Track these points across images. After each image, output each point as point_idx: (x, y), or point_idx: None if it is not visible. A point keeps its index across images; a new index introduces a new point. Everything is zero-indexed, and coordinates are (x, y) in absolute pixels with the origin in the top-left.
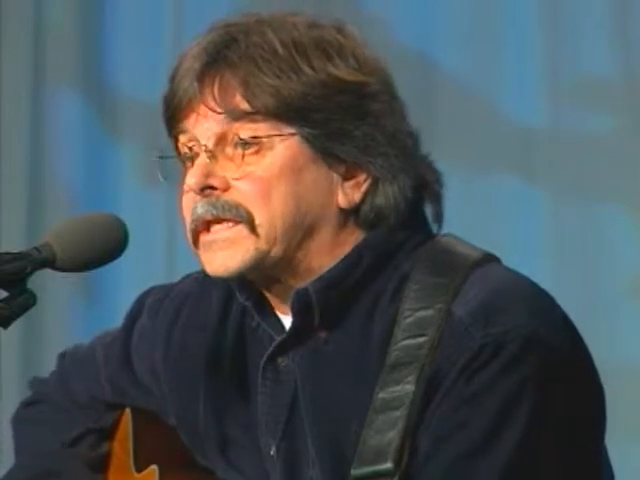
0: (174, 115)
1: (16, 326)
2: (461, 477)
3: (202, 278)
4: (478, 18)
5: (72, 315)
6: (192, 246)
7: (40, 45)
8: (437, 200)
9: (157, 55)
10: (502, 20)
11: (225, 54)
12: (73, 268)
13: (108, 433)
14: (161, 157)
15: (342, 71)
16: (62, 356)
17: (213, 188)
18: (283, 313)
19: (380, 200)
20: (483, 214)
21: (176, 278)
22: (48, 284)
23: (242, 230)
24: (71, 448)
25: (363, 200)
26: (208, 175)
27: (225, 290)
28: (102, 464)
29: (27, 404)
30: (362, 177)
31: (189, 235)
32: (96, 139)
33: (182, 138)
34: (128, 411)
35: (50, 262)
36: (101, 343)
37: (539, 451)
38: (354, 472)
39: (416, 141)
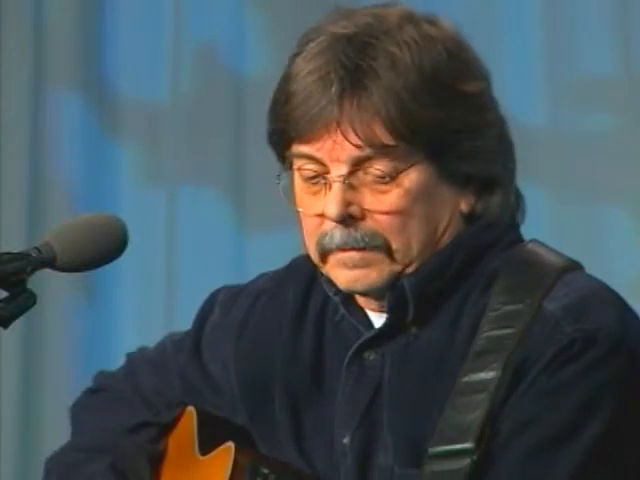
0: (301, 134)
1: (16, 326)
2: (537, 465)
3: (277, 276)
4: (478, 18)
5: (72, 315)
6: (319, 262)
7: (40, 45)
8: (520, 210)
9: (157, 55)
10: (502, 20)
11: (363, 82)
12: (73, 268)
13: (165, 430)
14: (279, 176)
15: (470, 85)
16: (130, 354)
17: (351, 216)
18: (370, 309)
19: (493, 204)
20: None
21: (176, 278)
22: (48, 284)
23: (378, 255)
24: (131, 433)
25: (476, 202)
26: (346, 205)
27: (302, 287)
28: (156, 459)
29: (88, 393)
30: (478, 183)
31: (316, 255)
32: (96, 139)
33: (306, 158)
34: (191, 408)
35: (50, 262)
36: (171, 340)
37: (615, 450)
38: (432, 450)
39: (514, 150)
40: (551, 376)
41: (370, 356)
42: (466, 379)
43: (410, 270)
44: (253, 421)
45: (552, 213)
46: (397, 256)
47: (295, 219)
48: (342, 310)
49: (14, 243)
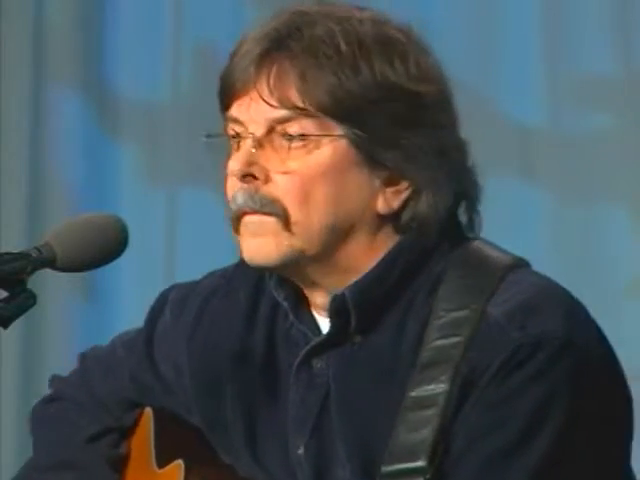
0: (227, 95)
1: (16, 326)
2: (493, 477)
3: (228, 275)
4: (478, 18)
5: (72, 315)
6: (234, 234)
7: (40, 45)
8: (474, 211)
9: (157, 55)
10: (502, 20)
11: (287, 43)
12: (73, 268)
13: (127, 433)
14: (208, 136)
15: (401, 78)
16: (83, 356)
17: (254, 177)
18: (319, 312)
19: (422, 210)
20: (483, 214)
21: (176, 278)
22: (48, 284)
23: (276, 223)
24: (91, 443)
25: (402, 207)
26: (251, 163)
27: (253, 287)
28: (120, 463)
29: (46, 401)
30: (404, 185)
31: (229, 221)
32: (96, 139)
33: (231, 119)
34: (149, 410)
35: (50, 262)
36: (122, 341)
37: (570, 454)
38: (385, 469)
39: (464, 154)
40: (498, 387)
41: (318, 363)
42: (414, 393)
43: (312, 251)
44: (207, 424)
45: (552, 213)
46: (295, 229)
47: None
48: (291, 315)
49: (14, 243)
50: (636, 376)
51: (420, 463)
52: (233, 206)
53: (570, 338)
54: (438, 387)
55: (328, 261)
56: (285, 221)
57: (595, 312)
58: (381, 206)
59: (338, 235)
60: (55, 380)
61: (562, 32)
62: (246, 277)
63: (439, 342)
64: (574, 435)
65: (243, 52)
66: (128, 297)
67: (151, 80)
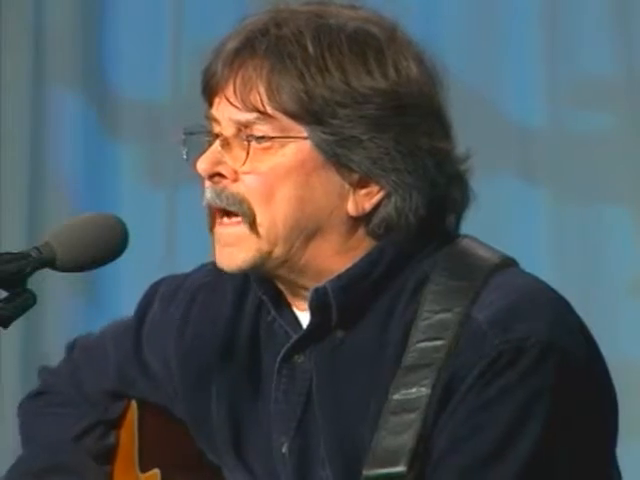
0: (207, 93)
1: (16, 326)
2: None
3: (217, 269)
4: (478, 18)
5: (72, 315)
6: (210, 235)
7: (40, 45)
8: (457, 214)
9: (157, 55)
10: (502, 20)
11: (254, 45)
12: (73, 268)
13: (115, 424)
14: (187, 133)
15: (374, 80)
16: (71, 346)
17: (222, 176)
18: (299, 309)
19: (390, 214)
20: (483, 214)
21: None
22: (48, 284)
23: (244, 230)
24: (78, 441)
25: (374, 210)
26: (218, 163)
27: (240, 282)
28: (109, 455)
29: (34, 395)
30: (375, 188)
31: (206, 223)
32: (96, 139)
33: (211, 117)
34: (134, 403)
35: (50, 262)
36: (111, 332)
37: (553, 459)
38: (366, 473)
39: (444, 158)
40: (480, 392)
41: (299, 359)
42: (397, 396)
43: (278, 252)
44: (192, 421)
45: (552, 213)
46: (261, 231)
47: None
48: (272, 311)
49: (14, 243)
50: (636, 373)
51: (400, 468)
52: (203, 201)
53: (552, 342)
54: (420, 391)
55: (298, 262)
56: (251, 222)
57: (595, 312)
58: (352, 208)
59: (305, 236)
60: (43, 372)
61: (562, 32)
62: (234, 274)
63: (423, 344)
64: (556, 440)
65: (222, 49)
66: (128, 297)
67: (151, 80)
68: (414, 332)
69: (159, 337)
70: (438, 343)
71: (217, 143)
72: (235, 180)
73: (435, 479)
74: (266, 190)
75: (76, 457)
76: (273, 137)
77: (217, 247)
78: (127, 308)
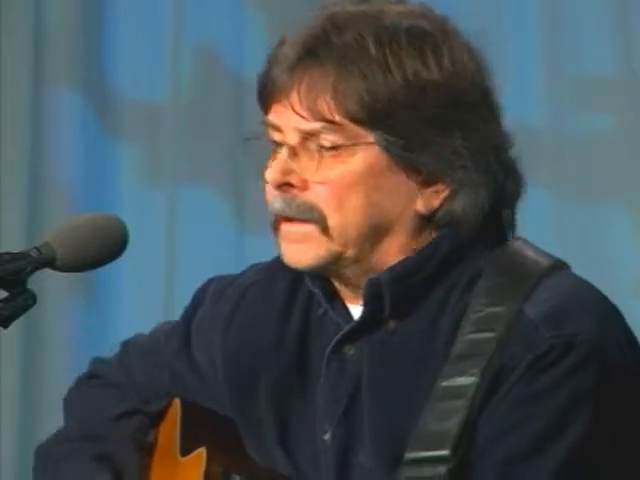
0: (264, 99)
1: (16, 326)
2: (514, 474)
3: (267, 268)
4: (478, 18)
5: (72, 315)
6: (274, 236)
7: (40, 45)
8: (512, 209)
9: (157, 55)
10: (502, 20)
11: (317, 52)
12: (73, 268)
13: (155, 420)
14: (247, 139)
15: (434, 75)
16: (125, 343)
17: (291, 185)
18: (352, 302)
19: (457, 209)
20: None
21: (176, 278)
22: (48, 284)
23: (314, 230)
24: (117, 421)
25: (440, 206)
26: (287, 172)
27: (290, 280)
28: (146, 449)
29: (84, 378)
30: (442, 185)
31: (270, 224)
32: (96, 139)
33: (270, 124)
34: (177, 400)
35: (50, 262)
36: (163, 330)
37: (592, 457)
38: (409, 455)
39: (502, 151)
40: (528, 384)
41: (350, 350)
42: (445, 383)
43: (349, 253)
44: (238, 415)
45: (552, 213)
46: (333, 234)
47: None
48: (324, 303)
49: (14, 243)
50: None
51: (444, 452)
52: (271, 211)
53: (600, 343)
54: (468, 379)
55: (367, 261)
56: (323, 227)
57: None
58: (421, 206)
59: (376, 237)
60: (95, 360)
61: (562, 32)
62: (285, 270)
63: (473, 336)
64: (598, 438)
65: (279, 57)
66: (128, 297)
67: (151, 80)
68: (464, 324)
69: (208, 332)
70: (489, 335)
71: (284, 152)
72: (304, 189)
73: (479, 468)
74: (337, 198)
75: (114, 431)
76: (343, 145)
77: (284, 244)
78: (127, 308)
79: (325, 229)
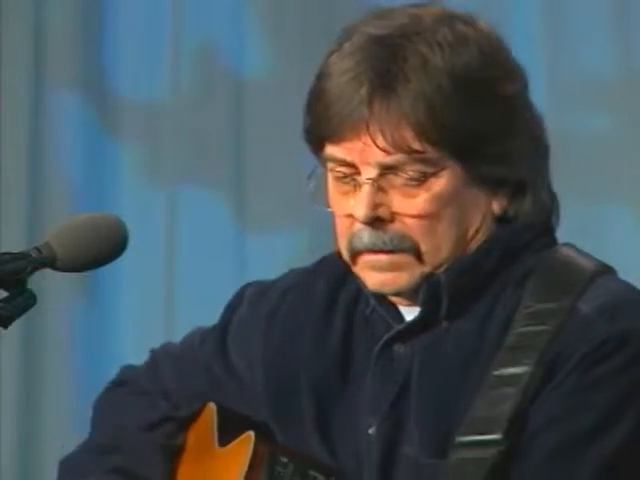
0: (331, 134)
1: (16, 326)
2: (562, 463)
3: (307, 271)
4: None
5: (72, 315)
6: (350, 263)
7: (40, 45)
8: (556, 209)
9: (157, 55)
10: (502, 20)
11: (390, 84)
12: (73, 268)
13: (186, 424)
14: (310, 177)
15: (495, 87)
16: (154, 350)
17: (379, 219)
18: (401, 304)
19: (525, 207)
20: None
21: (176, 278)
22: (48, 284)
23: (407, 257)
24: (145, 432)
25: (509, 204)
26: (375, 207)
27: (331, 282)
28: (175, 453)
29: (112, 385)
30: (511, 187)
31: (346, 254)
32: (96, 139)
33: (337, 160)
34: (212, 404)
35: (50, 262)
36: (198, 334)
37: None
38: (460, 439)
39: (545, 149)
40: (582, 375)
41: (400, 349)
42: (497, 372)
43: (441, 270)
44: (277, 414)
45: None
46: (426, 258)
47: (295, 220)
48: (373, 303)
49: (14, 243)
50: None
51: (496, 436)
52: (358, 244)
53: None
54: (521, 369)
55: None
56: (416, 254)
57: None
58: (497, 209)
59: (462, 247)
60: (124, 367)
61: (562, 32)
62: (327, 272)
63: (526, 329)
64: None
65: (342, 91)
66: (128, 297)
67: (151, 80)
68: (517, 318)
69: (246, 335)
70: (542, 328)
71: (368, 188)
72: (392, 220)
73: (529, 453)
74: (428, 223)
75: (140, 443)
76: (427, 173)
77: (373, 273)
78: (127, 308)
79: (418, 256)
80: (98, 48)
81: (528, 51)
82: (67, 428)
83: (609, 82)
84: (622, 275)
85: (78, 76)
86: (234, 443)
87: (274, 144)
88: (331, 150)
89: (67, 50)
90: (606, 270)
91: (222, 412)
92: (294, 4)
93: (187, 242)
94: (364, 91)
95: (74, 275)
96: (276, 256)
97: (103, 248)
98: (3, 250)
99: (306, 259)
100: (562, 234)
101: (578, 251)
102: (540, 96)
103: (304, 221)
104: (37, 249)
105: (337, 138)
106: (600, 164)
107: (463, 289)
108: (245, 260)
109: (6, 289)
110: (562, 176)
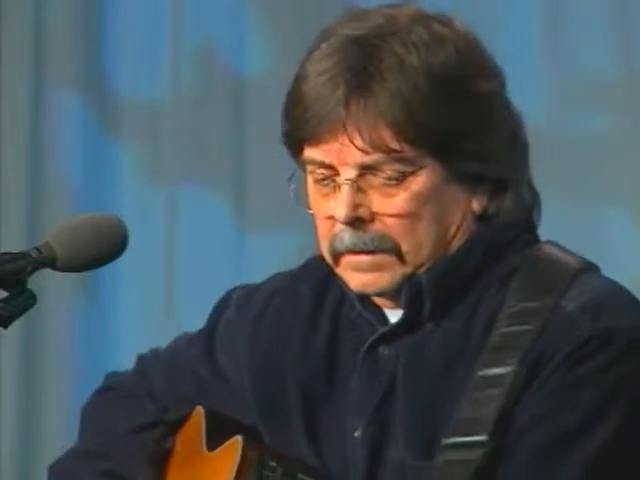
0: (309, 137)
1: (16, 326)
2: (548, 462)
3: (293, 274)
4: (477, 18)
5: (72, 315)
6: (332, 264)
7: (40, 46)
8: (538, 202)
9: (157, 55)
10: (502, 20)
11: (366, 84)
12: (73, 268)
13: (174, 428)
14: (290, 179)
15: (473, 84)
16: (141, 356)
17: (360, 219)
18: (386, 306)
19: (506, 205)
20: None
21: (176, 278)
22: (48, 284)
23: (389, 257)
24: (133, 435)
25: (489, 202)
26: (355, 207)
27: (316, 284)
28: (163, 458)
29: (99, 391)
30: (490, 184)
31: (328, 256)
32: (96, 139)
33: (316, 163)
34: (200, 408)
35: (50, 262)
36: (186, 337)
37: (628, 450)
38: (446, 441)
39: (524, 146)
40: (566, 373)
41: (385, 351)
42: (481, 373)
43: (422, 270)
44: (265, 416)
45: (552, 213)
46: (408, 258)
47: (295, 219)
48: (358, 306)
49: (14, 243)
50: None
51: (482, 437)
52: (339, 246)
53: (638, 337)
54: (505, 369)
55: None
56: (397, 254)
57: None
58: (476, 207)
59: (443, 246)
60: (110, 374)
61: (562, 32)
62: (312, 275)
63: (509, 329)
64: (634, 432)
65: (320, 93)
66: (128, 297)
67: (151, 80)
68: (500, 318)
69: (233, 338)
70: (525, 327)
71: (347, 189)
72: (373, 220)
73: (514, 453)
74: (408, 222)
75: (127, 447)
76: (406, 172)
77: (355, 274)
78: (127, 308)
79: (400, 256)
80: (98, 48)
81: (528, 51)
82: (67, 428)
83: (609, 82)
84: (619, 277)
85: (78, 76)
86: (222, 447)
87: (274, 144)
88: (309, 152)
89: (67, 50)
90: (590, 267)
91: (210, 416)
92: (294, 4)
93: (187, 242)
94: (340, 92)
95: (74, 275)
96: (276, 256)
97: (103, 248)
98: (3, 250)
99: (306, 259)
100: (561, 234)
101: (561, 248)
102: (540, 96)
103: (304, 221)
104: (37, 249)
105: (315, 140)
106: (599, 165)
107: (446, 290)
108: (245, 260)
109: (6, 289)
110: (561, 176)
